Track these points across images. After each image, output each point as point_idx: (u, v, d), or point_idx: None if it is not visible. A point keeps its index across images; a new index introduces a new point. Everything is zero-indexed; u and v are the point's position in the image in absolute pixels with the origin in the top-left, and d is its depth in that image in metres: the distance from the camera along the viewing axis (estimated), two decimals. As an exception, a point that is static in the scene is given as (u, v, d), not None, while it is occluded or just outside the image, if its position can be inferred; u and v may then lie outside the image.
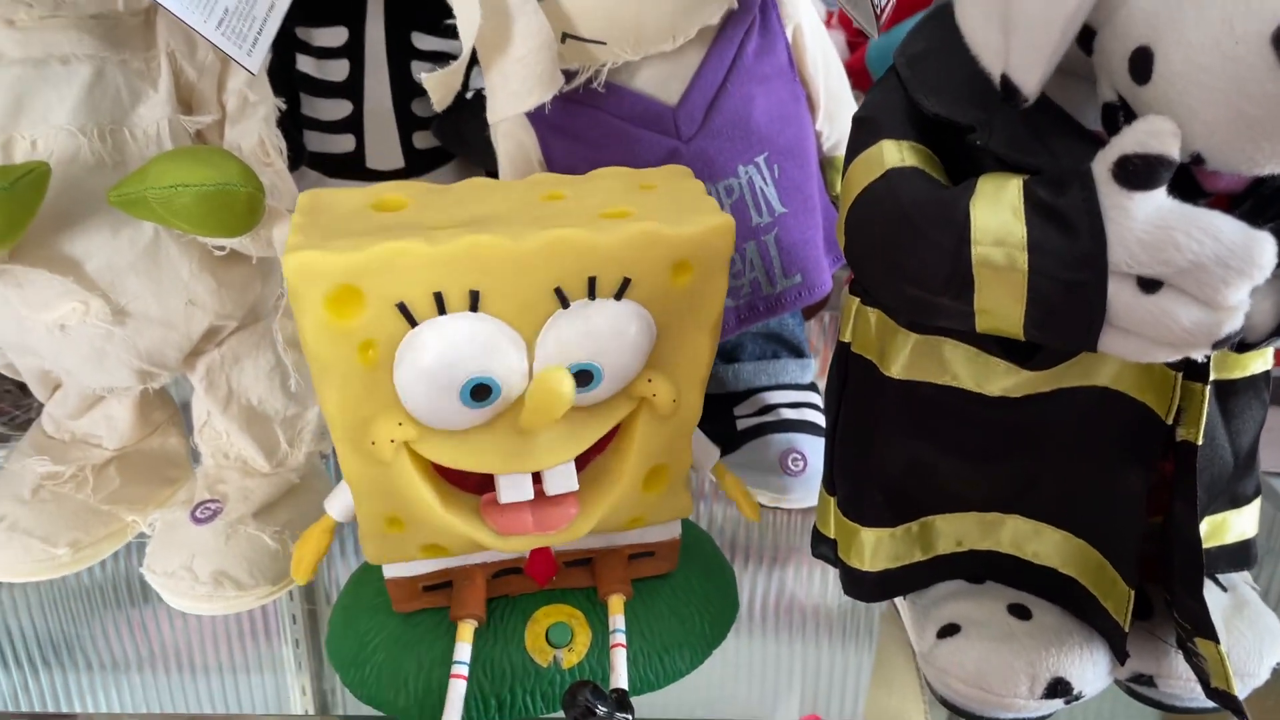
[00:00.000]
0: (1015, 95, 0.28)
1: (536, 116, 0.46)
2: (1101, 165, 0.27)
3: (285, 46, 0.53)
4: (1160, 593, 0.37)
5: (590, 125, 0.46)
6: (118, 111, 0.42)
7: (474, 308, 0.32)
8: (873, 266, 0.34)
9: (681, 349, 0.35)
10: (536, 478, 0.36)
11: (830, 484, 0.41)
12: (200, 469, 0.49)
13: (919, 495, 0.39)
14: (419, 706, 0.38)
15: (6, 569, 0.46)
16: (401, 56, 0.53)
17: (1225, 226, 0.26)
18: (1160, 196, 0.27)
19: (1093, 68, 0.29)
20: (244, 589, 0.44)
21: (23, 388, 0.54)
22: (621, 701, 0.35)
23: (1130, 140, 0.26)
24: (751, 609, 0.47)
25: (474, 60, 0.45)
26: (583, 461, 0.37)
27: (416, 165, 0.55)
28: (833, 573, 0.42)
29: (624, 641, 0.38)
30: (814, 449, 0.52)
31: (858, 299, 0.38)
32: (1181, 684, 0.37)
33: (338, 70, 0.53)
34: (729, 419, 0.54)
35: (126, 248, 0.42)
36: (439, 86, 0.44)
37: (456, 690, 0.36)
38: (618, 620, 0.39)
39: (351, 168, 0.55)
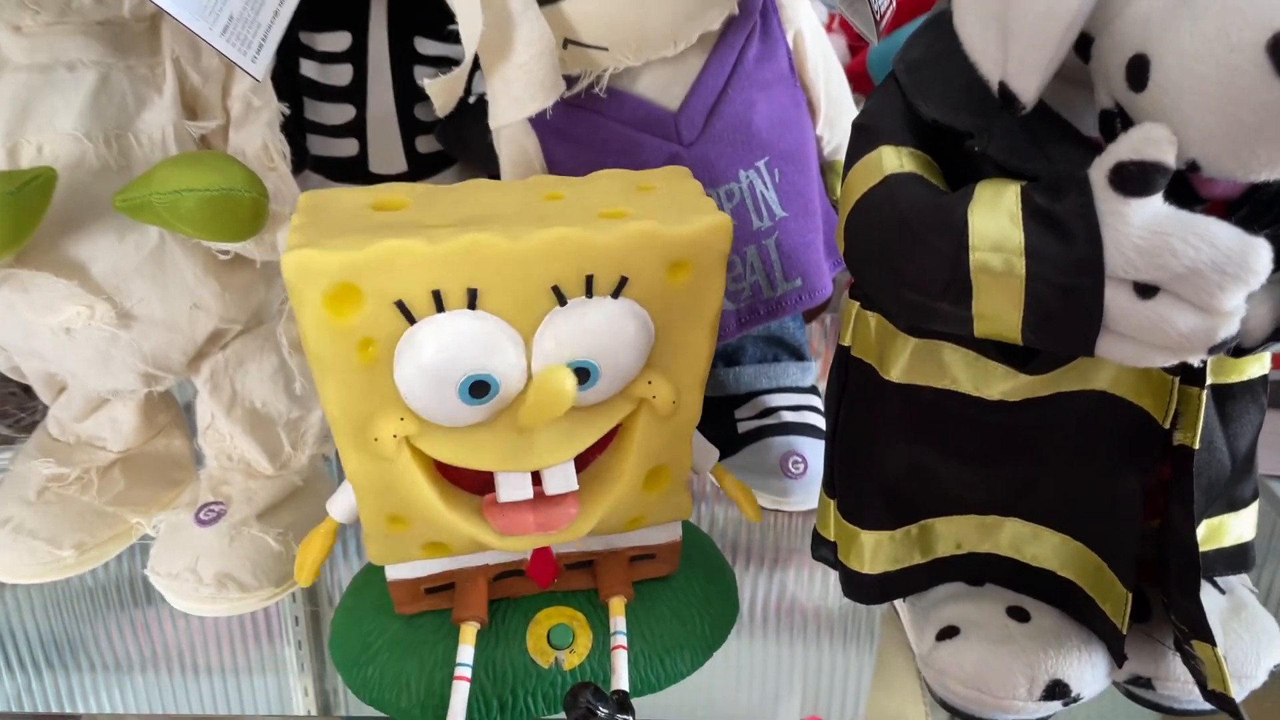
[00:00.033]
0: (1013, 102, 0.29)
1: (539, 121, 0.46)
2: (1098, 172, 0.27)
3: (289, 51, 0.53)
4: (1158, 595, 0.38)
5: (592, 130, 0.47)
6: (123, 117, 0.42)
7: (472, 305, 0.32)
8: (872, 271, 0.34)
9: (680, 349, 0.35)
10: (536, 478, 0.36)
11: (830, 486, 0.42)
12: (204, 471, 0.50)
13: (918, 498, 0.39)
14: (421, 708, 0.38)
15: (12, 570, 0.46)
16: (404, 61, 0.53)
17: (1221, 233, 0.26)
18: (1156, 203, 0.27)
19: (1090, 75, 0.29)
20: (247, 590, 0.44)
21: (27, 390, 0.54)
22: (622, 703, 0.36)
23: (1126, 147, 0.27)
24: (753, 611, 0.47)
25: (476, 65, 0.45)
26: (583, 462, 0.37)
27: (419, 169, 0.56)
28: (833, 575, 0.42)
29: (625, 643, 0.39)
30: (814, 452, 0.52)
31: (857, 303, 0.38)
32: (1179, 686, 0.37)
33: (341, 75, 0.53)
34: (730, 421, 0.55)
35: (132, 252, 0.42)
36: (441, 92, 0.45)
37: (459, 691, 0.37)
38: (619, 622, 0.39)
39: (354, 172, 0.55)
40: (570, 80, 0.46)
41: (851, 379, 0.39)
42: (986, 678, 0.37)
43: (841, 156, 0.52)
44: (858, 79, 0.60)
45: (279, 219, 0.43)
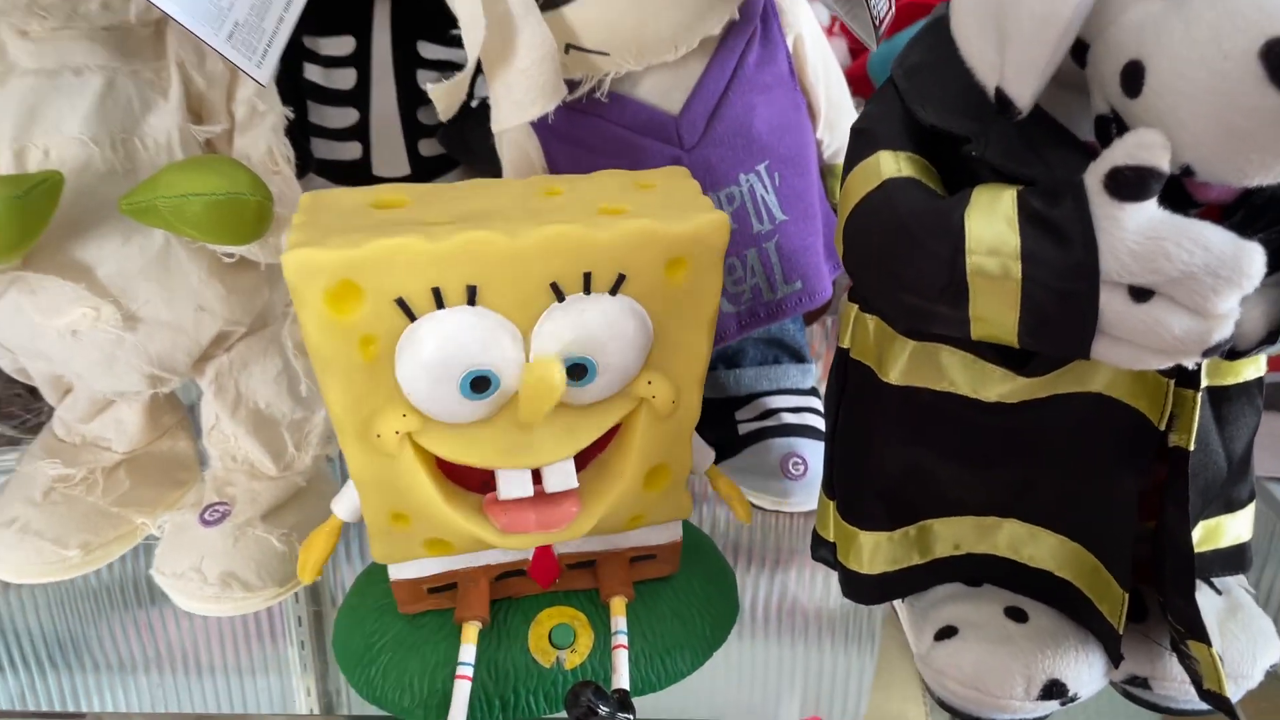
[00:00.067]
0: (1009, 108, 0.29)
1: (540, 125, 0.47)
2: (1093, 177, 0.27)
3: (293, 55, 0.53)
4: (1154, 596, 0.38)
5: (594, 134, 0.47)
6: (129, 121, 0.42)
7: (471, 302, 0.32)
8: (870, 275, 0.34)
9: (679, 348, 0.36)
10: (537, 477, 0.36)
11: (830, 488, 0.42)
12: (209, 472, 0.50)
13: (917, 499, 0.39)
14: (424, 707, 0.39)
15: (18, 570, 0.47)
16: (408, 65, 0.54)
17: (1215, 237, 0.27)
18: (1151, 207, 0.27)
19: (1086, 80, 0.30)
20: (252, 590, 0.45)
21: (32, 392, 0.54)
22: (623, 702, 0.36)
23: (1121, 153, 0.27)
24: (754, 612, 0.48)
25: (479, 69, 0.45)
26: (583, 461, 0.37)
27: (422, 172, 0.56)
28: (833, 576, 0.42)
29: (626, 643, 0.39)
30: (815, 453, 0.52)
31: (856, 306, 0.39)
32: (1176, 686, 0.37)
33: (345, 79, 0.53)
34: (730, 423, 0.55)
35: (137, 255, 0.43)
36: (444, 96, 0.45)
37: (461, 690, 0.37)
38: (620, 622, 0.39)
39: (358, 175, 0.55)
40: (572, 85, 0.46)
41: (850, 381, 0.39)
42: (984, 677, 0.37)
43: (841, 160, 0.52)
44: (858, 83, 0.60)
45: (283, 222, 0.43)
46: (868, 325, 0.38)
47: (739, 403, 0.56)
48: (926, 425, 0.37)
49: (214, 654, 0.45)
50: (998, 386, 0.36)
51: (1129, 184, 0.27)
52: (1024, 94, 0.28)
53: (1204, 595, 0.39)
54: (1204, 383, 0.34)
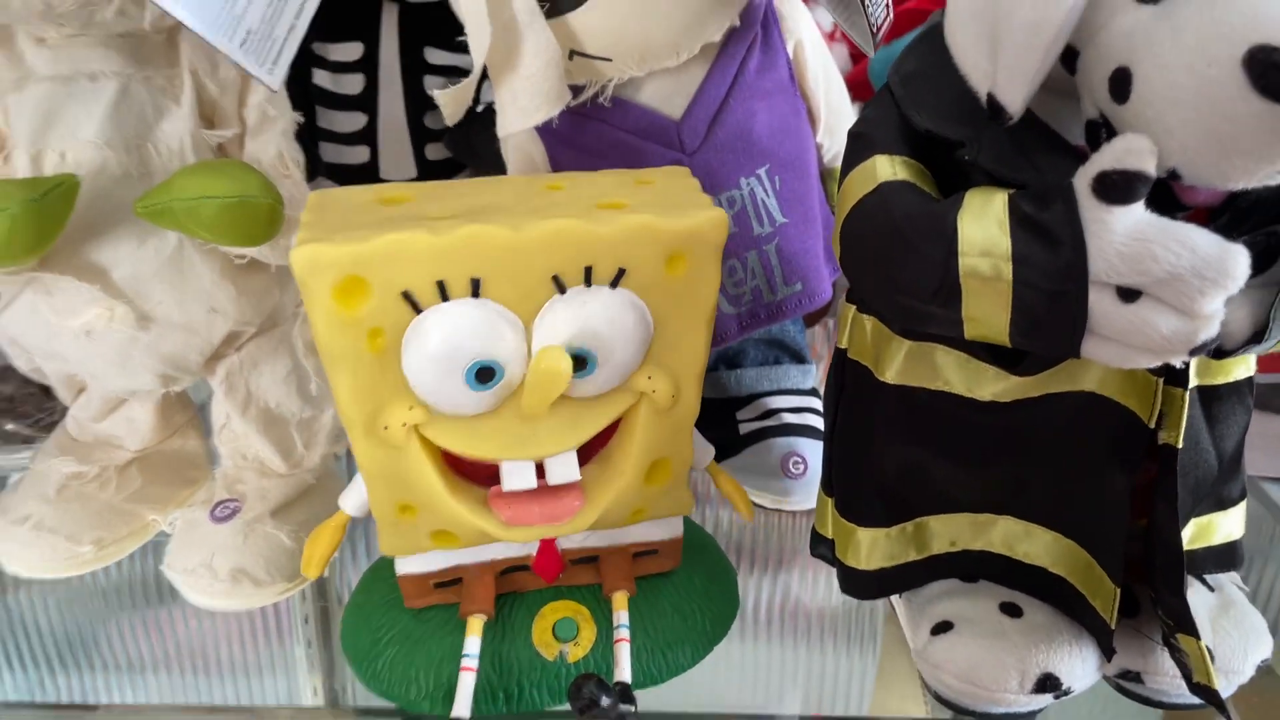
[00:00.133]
0: (1001, 113, 0.29)
1: (545, 130, 0.47)
2: (1082, 181, 0.28)
3: (302, 61, 0.54)
4: (1146, 592, 0.38)
5: (597, 138, 0.48)
6: (143, 126, 0.43)
7: (475, 294, 0.33)
8: (866, 276, 0.35)
9: (678, 342, 0.36)
10: (540, 471, 0.37)
11: (828, 485, 0.42)
12: (219, 469, 0.50)
13: (913, 496, 0.40)
14: (430, 699, 0.39)
15: (32, 565, 0.47)
16: (415, 71, 0.54)
17: (1200, 239, 0.27)
18: (1139, 210, 0.28)
19: (1077, 86, 0.30)
20: (261, 585, 0.45)
21: (46, 391, 0.55)
22: (625, 694, 0.36)
23: (1109, 157, 0.27)
24: (757, 611, 0.48)
25: (485, 75, 0.46)
26: (586, 455, 0.38)
27: (429, 176, 0.56)
28: (833, 574, 0.43)
29: (628, 636, 0.39)
30: (815, 452, 0.53)
31: (854, 307, 0.39)
32: (1167, 680, 0.38)
33: (353, 84, 0.54)
34: (731, 423, 0.55)
35: (151, 257, 0.43)
36: (450, 102, 0.46)
37: (466, 682, 0.38)
38: (622, 616, 0.40)
39: (366, 178, 0.56)
40: (576, 90, 0.46)
41: (848, 380, 0.40)
42: (979, 671, 0.38)
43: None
44: (859, 88, 0.60)
45: (294, 224, 0.44)
46: (865, 326, 0.39)
47: (740, 403, 0.56)
48: (922, 424, 0.38)
49: (222, 652, 0.46)
50: (991, 386, 0.36)
51: (1117, 188, 0.27)
52: (1015, 100, 0.29)
53: (1196, 592, 0.40)
54: (1193, 382, 0.35)
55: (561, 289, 0.33)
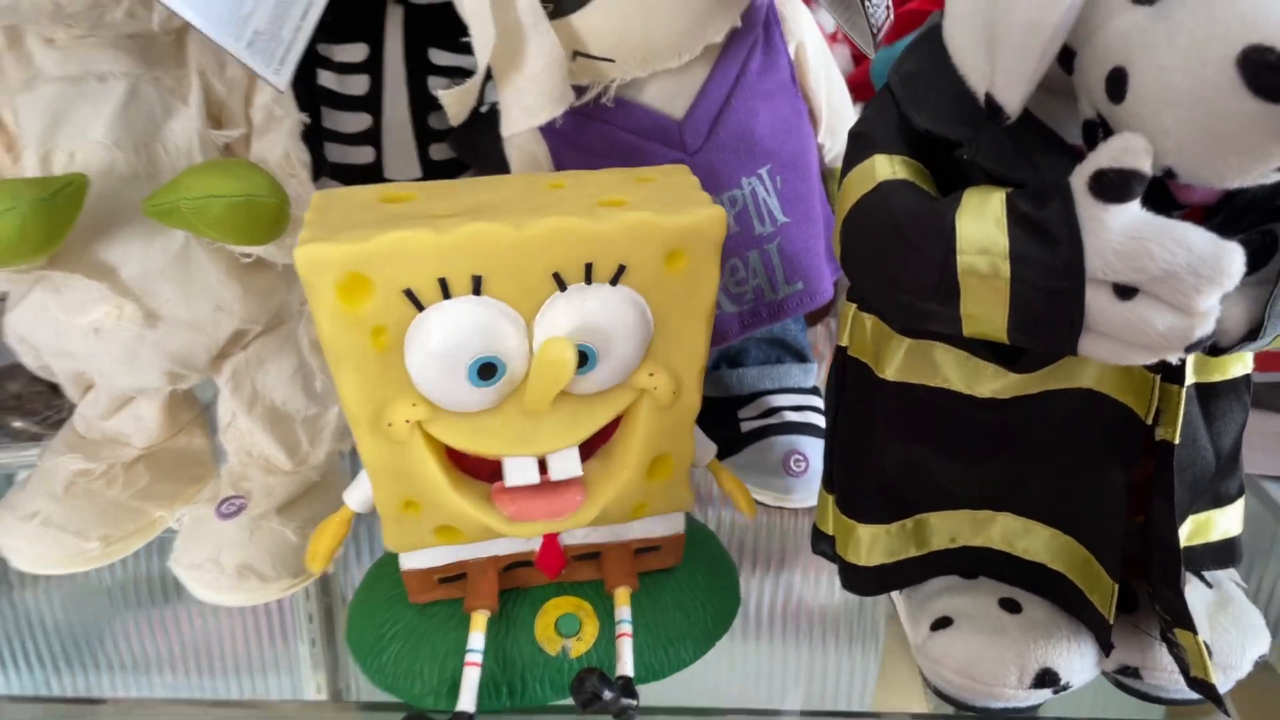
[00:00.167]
0: (999, 113, 0.30)
1: (548, 130, 0.48)
2: (1079, 179, 0.28)
3: (307, 62, 0.54)
4: (1145, 587, 0.39)
5: (600, 138, 0.48)
6: (151, 126, 0.44)
7: (477, 291, 0.33)
8: (866, 274, 0.35)
9: (678, 339, 0.36)
10: (543, 466, 0.37)
11: (829, 482, 0.43)
12: (226, 466, 0.51)
13: (913, 493, 0.40)
14: (434, 694, 0.40)
15: (40, 562, 0.48)
16: (419, 72, 0.55)
17: (1196, 237, 0.27)
18: (1135, 209, 0.28)
19: (1074, 86, 0.31)
20: (267, 581, 0.46)
21: (53, 389, 0.55)
22: (627, 688, 0.37)
23: (1105, 156, 0.28)
24: (759, 608, 0.48)
25: (489, 75, 0.46)
26: (588, 451, 0.38)
27: (433, 176, 0.56)
28: (835, 573, 0.43)
29: (630, 631, 0.40)
30: (816, 450, 0.53)
31: (855, 305, 0.40)
32: (1165, 675, 0.38)
33: (358, 85, 0.54)
34: (733, 421, 0.56)
35: (159, 255, 0.44)
36: (455, 102, 0.46)
37: (470, 677, 0.38)
38: (624, 611, 0.40)
39: (370, 178, 0.56)
40: (579, 90, 0.47)
41: (849, 378, 0.40)
42: (978, 666, 0.38)
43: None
44: (861, 89, 0.61)
45: (300, 224, 0.44)
46: (865, 324, 0.39)
47: (742, 401, 0.57)
48: (922, 421, 0.38)
49: (227, 650, 0.46)
50: (990, 383, 0.37)
51: (1113, 186, 0.28)
52: (1013, 100, 0.29)
53: (1195, 588, 0.40)
54: (1191, 380, 0.35)
55: (562, 286, 0.34)
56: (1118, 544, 0.36)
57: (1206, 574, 0.41)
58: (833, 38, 0.72)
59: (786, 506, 0.53)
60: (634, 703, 0.37)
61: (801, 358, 0.59)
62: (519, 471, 0.37)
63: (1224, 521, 0.40)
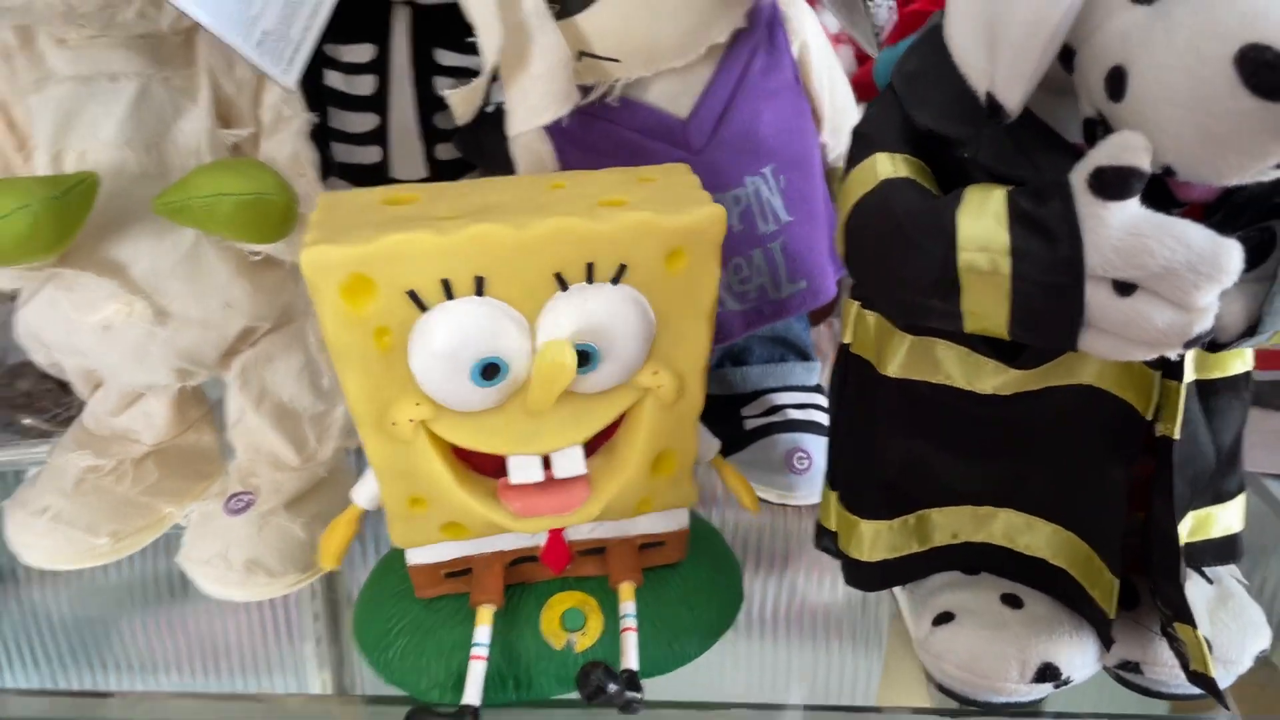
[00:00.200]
0: (999, 111, 0.30)
1: (554, 129, 0.48)
2: (1078, 177, 0.29)
3: (314, 62, 0.54)
4: (1146, 584, 0.39)
5: (605, 138, 0.48)
6: (161, 125, 0.44)
7: (479, 292, 0.33)
8: (868, 271, 0.36)
9: (680, 337, 0.37)
10: (546, 463, 0.38)
11: (832, 479, 0.43)
12: (234, 463, 0.51)
13: (915, 489, 0.40)
14: (440, 688, 0.40)
15: (50, 557, 0.48)
16: (426, 72, 0.55)
17: (1195, 234, 0.28)
18: (1134, 206, 0.28)
19: (1074, 85, 0.31)
20: (274, 576, 0.46)
21: (63, 387, 0.56)
22: (631, 681, 0.37)
23: (1104, 153, 0.28)
24: (763, 605, 0.48)
25: (495, 76, 0.47)
26: (592, 447, 0.38)
27: (439, 176, 0.57)
28: (838, 570, 0.43)
29: (634, 625, 0.40)
30: (819, 448, 0.53)
31: (858, 303, 0.40)
32: (1166, 670, 0.39)
33: (365, 85, 0.55)
34: (736, 419, 0.56)
35: (169, 253, 0.44)
36: (462, 102, 0.46)
37: (476, 670, 0.38)
38: (629, 606, 0.40)
39: (377, 178, 0.56)
40: (584, 90, 0.47)
41: (852, 375, 0.41)
42: (980, 661, 0.38)
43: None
44: (864, 89, 0.61)
45: (307, 222, 0.45)
46: (868, 321, 0.39)
47: (745, 399, 0.57)
48: (924, 417, 0.39)
49: (233, 649, 0.46)
50: (991, 379, 0.37)
51: (1112, 183, 0.28)
52: (1013, 98, 0.29)
53: (1195, 584, 0.40)
54: (1191, 376, 0.35)
55: (564, 286, 0.34)
56: (1118, 539, 0.36)
57: (1207, 570, 0.41)
58: (836, 39, 0.72)
59: (790, 504, 0.53)
60: (639, 696, 0.37)
61: (805, 356, 0.59)
62: (523, 469, 0.38)
63: (1225, 518, 0.40)
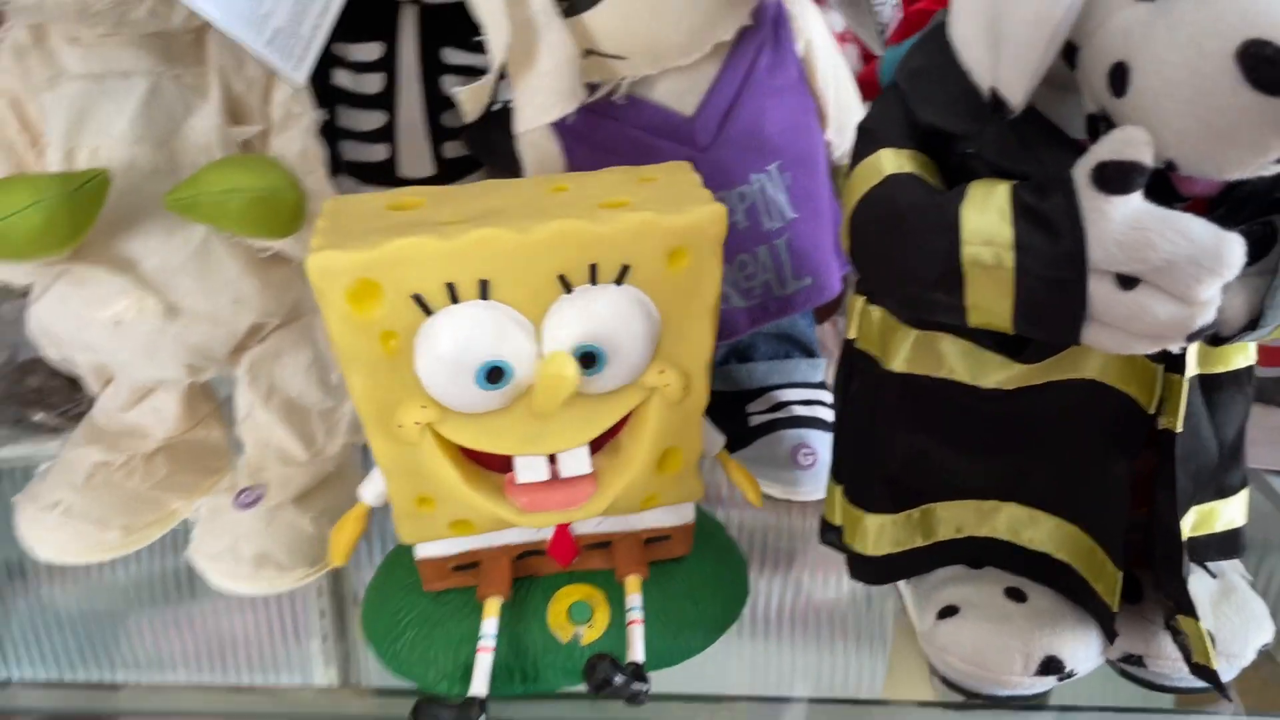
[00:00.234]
0: (1003, 107, 0.30)
1: (561, 127, 0.48)
2: (1081, 171, 0.29)
3: (323, 61, 0.54)
4: (1149, 578, 0.39)
5: (611, 135, 0.49)
6: (172, 123, 0.44)
7: (484, 296, 0.34)
8: (873, 265, 0.36)
9: (684, 335, 0.37)
10: (552, 460, 0.38)
11: (837, 473, 0.43)
12: (243, 458, 0.51)
13: (920, 484, 0.41)
14: (447, 679, 0.40)
15: (61, 550, 0.49)
16: (433, 71, 0.55)
17: (1196, 228, 0.28)
18: (1136, 200, 0.28)
19: (1077, 81, 0.31)
20: (283, 570, 0.47)
21: (73, 383, 0.56)
22: (638, 673, 0.37)
23: (1106, 148, 0.28)
24: (769, 600, 0.49)
25: (503, 74, 0.47)
26: (598, 445, 0.39)
27: (446, 173, 0.57)
28: (843, 565, 0.44)
29: (640, 618, 0.40)
30: (824, 444, 0.53)
31: (863, 298, 0.40)
32: (1169, 664, 0.39)
33: (373, 84, 0.55)
34: (742, 416, 0.56)
35: (179, 249, 0.45)
36: (470, 99, 0.47)
37: (483, 662, 0.38)
38: (635, 598, 0.41)
39: (384, 175, 0.57)
40: (591, 88, 0.48)
41: (857, 369, 0.41)
42: (984, 654, 0.38)
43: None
44: (869, 87, 0.61)
45: (316, 218, 0.45)
46: (873, 316, 0.40)
47: (750, 396, 0.57)
48: (928, 411, 0.39)
49: (239, 647, 0.46)
50: (995, 374, 0.37)
51: (1114, 178, 0.28)
52: (1017, 94, 0.30)
53: (1198, 579, 0.41)
54: (1194, 371, 0.36)
55: (568, 288, 0.34)
56: (1121, 533, 0.37)
57: (1211, 565, 0.42)
58: (841, 38, 0.72)
59: (795, 499, 0.53)
60: (645, 687, 0.37)
61: (810, 353, 0.59)
62: (529, 469, 0.38)
63: (1228, 512, 0.41)
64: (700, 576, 0.44)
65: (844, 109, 0.53)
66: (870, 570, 0.42)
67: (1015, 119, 0.31)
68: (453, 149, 0.57)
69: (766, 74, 0.49)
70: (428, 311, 0.34)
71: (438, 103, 0.56)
